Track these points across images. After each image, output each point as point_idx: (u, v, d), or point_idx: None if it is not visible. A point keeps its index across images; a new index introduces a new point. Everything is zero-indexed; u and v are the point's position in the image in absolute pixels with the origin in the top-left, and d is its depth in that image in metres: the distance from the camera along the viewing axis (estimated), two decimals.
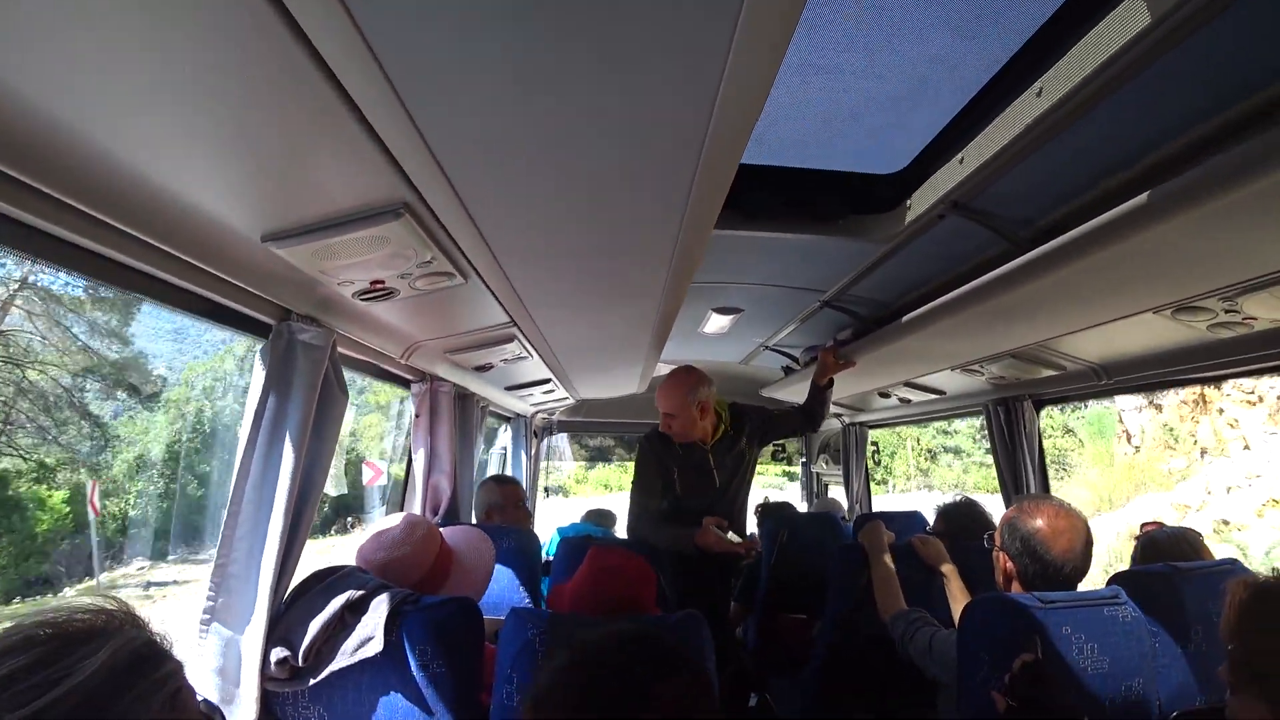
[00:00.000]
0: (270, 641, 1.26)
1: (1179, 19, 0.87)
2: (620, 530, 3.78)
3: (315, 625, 1.26)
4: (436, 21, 0.61)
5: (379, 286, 1.30)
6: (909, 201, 1.68)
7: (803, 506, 4.93)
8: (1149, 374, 2.08)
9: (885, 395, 3.44)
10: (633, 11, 0.61)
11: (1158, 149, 1.21)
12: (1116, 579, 1.54)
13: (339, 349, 1.43)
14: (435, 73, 0.69)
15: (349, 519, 12.01)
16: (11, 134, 0.71)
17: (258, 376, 1.28)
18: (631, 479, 2.58)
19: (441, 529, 1.68)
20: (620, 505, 3.42)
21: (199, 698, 0.70)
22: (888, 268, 2.06)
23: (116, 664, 0.60)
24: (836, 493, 4.75)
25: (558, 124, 0.81)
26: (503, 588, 2.27)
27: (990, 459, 2.88)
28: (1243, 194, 0.96)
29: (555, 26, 0.63)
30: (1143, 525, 2.05)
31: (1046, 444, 2.87)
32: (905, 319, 2.04)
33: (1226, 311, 1.47)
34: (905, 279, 2.19)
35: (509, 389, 3.01)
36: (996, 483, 2.84)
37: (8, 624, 0.60)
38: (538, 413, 4.14)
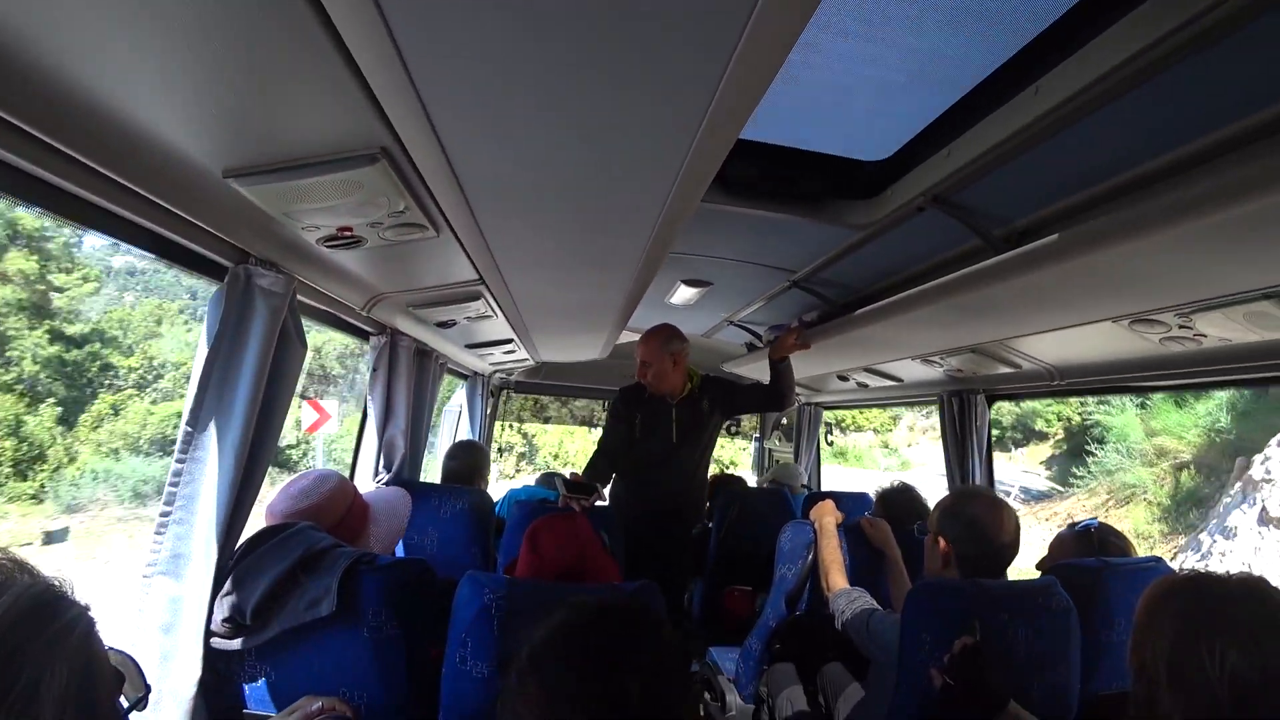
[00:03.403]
0: (217, 598, 1.22)
1: (1183, 38, 0.87)
2: None
3: (265, 582, 1.22)
4: None
5: (346, 234, 1.23)
6: (890, 190, 1.68)
7: (753, 481, 5.04)
8: (1098, 379, 2.17)
9: (844, 379, 3.51)
10: None
11: (1138, 164, 1.23)
12: (1053, 570, 1.62)
13: (299, 297, 1.36)
14: (431, 10, 0.63)
15: None
16: None
17: (211, 322, 1.21)
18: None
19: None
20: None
21: (107, 646, 0.67)
22: (861, 254, 2.06)
23: (20, 611, 0.58)
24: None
25: (555, 78, 0.77)
26: (456, 547, 2.25)
27: None
28: (1214, 219, 1.00)
29: None
30: (1070, 525, 2.15)
31: None
32: (872, 307, 2.06)
33: (1180, 327, 1.54)
34: (877, 267, 2.20)
35: (469, 346, 2.94)
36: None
37: None
38: (496, 372, 4.07)
